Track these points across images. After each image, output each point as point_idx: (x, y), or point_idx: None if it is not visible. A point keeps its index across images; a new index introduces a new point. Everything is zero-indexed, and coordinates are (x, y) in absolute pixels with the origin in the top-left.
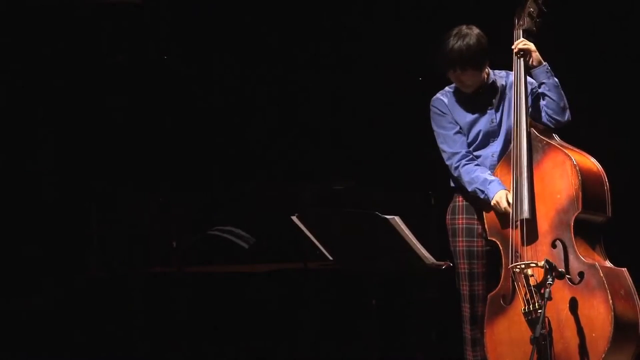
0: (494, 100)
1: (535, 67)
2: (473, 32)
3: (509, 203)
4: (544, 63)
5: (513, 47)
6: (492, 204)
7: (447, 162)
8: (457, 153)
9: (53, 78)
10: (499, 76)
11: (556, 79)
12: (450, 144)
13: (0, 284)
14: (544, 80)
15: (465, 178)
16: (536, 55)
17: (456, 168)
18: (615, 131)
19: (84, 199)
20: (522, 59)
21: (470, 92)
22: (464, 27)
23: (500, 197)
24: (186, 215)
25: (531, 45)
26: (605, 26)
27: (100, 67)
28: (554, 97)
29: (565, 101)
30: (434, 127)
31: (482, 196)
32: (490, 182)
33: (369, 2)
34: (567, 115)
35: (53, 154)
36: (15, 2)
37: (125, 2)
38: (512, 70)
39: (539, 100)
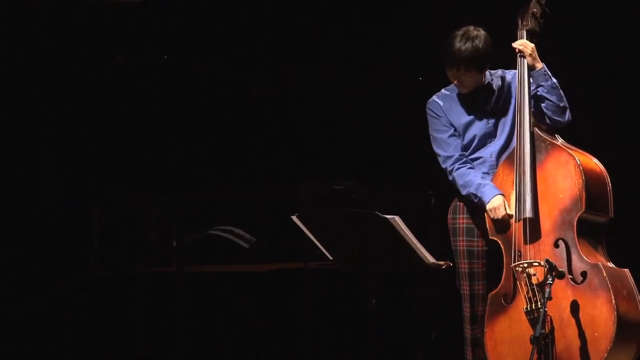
0: (489, 101)
1: (532, 69)
2: (481, 34)
3: (506, 210)
4: (541, 65)
5: (513, 45)
6: (487, 208)
7: (443, 166)
8: (451, 157)
9: (53, 78)
10: (495, 76)
11: (554, 80)
12: (445, 148)
13: (0, 284)
14: (542, 83)
15: (459, 182)
16: (531, 58)
17: (450, 172)
18: (617, 132)
19: (85, 199)
20: (524, 59)
21: (467, 92)
22: (471, 27)
23: (498, 203)
24: (186, 215)
25: (527, 48)
26: (608, 25)
27: (100, 67)
28: (552, 99)
29: (565, 102)
30: (430, 131)
31: (475, 200)
32: (484, 186)
33: (369, 2)
34: (568, 115)
35: (53, 154)
36: (15, 2)
37: (125, 2)
38: (507, 70)
39: (540, 102)
